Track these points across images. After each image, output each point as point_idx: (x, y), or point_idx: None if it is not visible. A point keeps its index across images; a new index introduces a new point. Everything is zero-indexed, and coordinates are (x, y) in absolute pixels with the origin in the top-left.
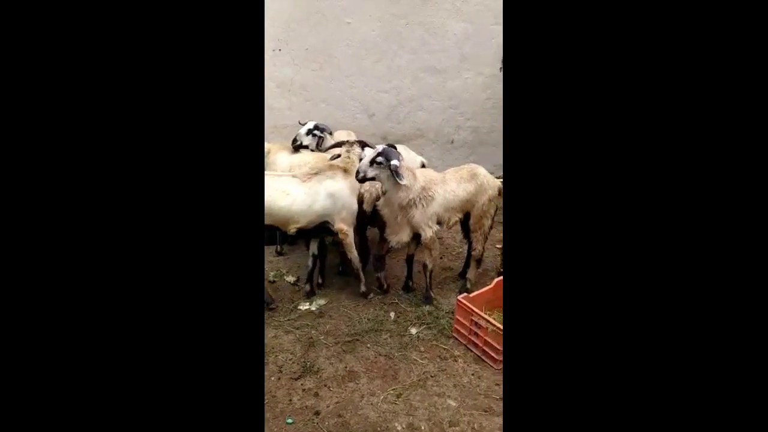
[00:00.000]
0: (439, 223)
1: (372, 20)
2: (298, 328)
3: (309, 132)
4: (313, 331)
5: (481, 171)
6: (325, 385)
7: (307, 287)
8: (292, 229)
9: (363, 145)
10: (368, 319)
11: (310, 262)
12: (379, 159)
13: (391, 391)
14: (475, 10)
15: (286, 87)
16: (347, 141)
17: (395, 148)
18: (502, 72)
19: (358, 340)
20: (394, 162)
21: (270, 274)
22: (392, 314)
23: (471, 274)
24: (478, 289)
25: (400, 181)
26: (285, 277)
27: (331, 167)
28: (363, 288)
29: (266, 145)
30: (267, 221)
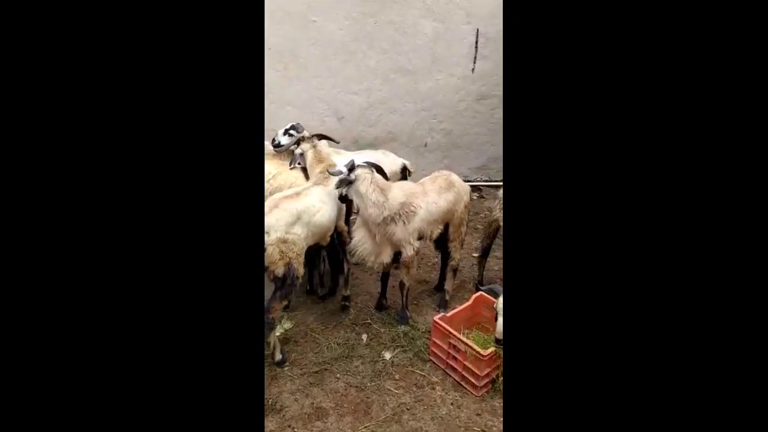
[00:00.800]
0: (420, 238)
1: (339, 18)
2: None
3: (286, 132)
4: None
5: (455, 178)
6: (290, 426)
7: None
8: (327, 238)
9: (321, 137)
10: (338, 344)
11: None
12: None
13: (363, 430)
14: (446, 9)
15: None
16: (303, 137)
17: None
18: (473, 73)
19: (326, 369)
20: (340, 168)
21: None
22: (364, 337)
23: (448, 285)
24: (455, 304)
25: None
26: None
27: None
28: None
29: None
30: (312, 241)
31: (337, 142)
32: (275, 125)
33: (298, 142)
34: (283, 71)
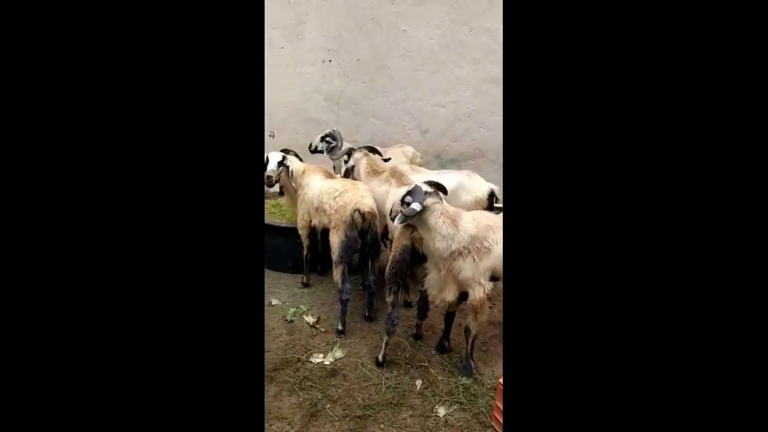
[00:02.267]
0: (494, 278)
1: (430, 27)
2: (304, 389)
3: (323, 138)
4: (319, 396)
5: None
6: None
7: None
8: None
9: (371, 150)
10: (389, 387)
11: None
12: (408, 199)
13: None
14: None
15: (335, 100)
16: (352, 148)
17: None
18: None
19: (371, 416)
20: (413, 206)
21: (289, 311)
22: (419, 383)
23: None
24: None
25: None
26: (304, 316)
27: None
28: (381, 355)
29: (301, 164)
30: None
31: (387, 160)
32: (358, 137)
33: (349, 153)
34: (369, 82)
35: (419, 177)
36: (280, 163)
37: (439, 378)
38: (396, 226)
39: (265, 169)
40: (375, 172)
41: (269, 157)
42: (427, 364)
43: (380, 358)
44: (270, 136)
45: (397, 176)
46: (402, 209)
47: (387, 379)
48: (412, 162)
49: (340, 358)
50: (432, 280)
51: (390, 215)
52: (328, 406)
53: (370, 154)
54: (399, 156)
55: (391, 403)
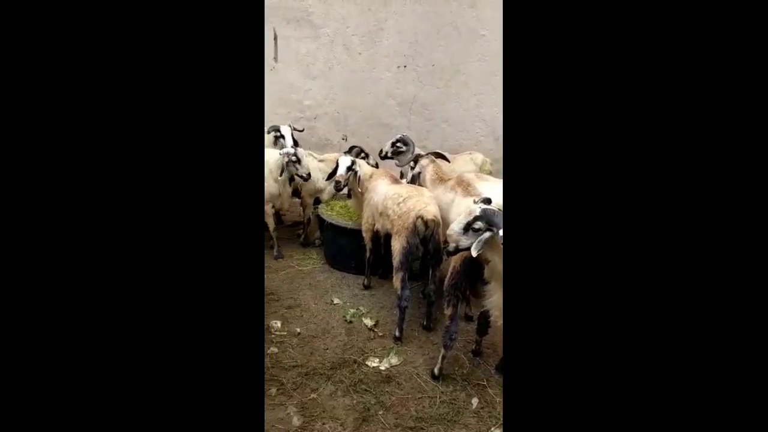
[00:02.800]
0: None
1: None
2: (358, 392)
3: (393, 144)
4: (373, 401)
5: None
6: None
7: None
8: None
9: (437, 155)
10: (443, 401)
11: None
12: (478, 225)
13: None
14: None
15: (407, 105)
16: (419, 154)
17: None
18: None
19: (423, 429)
20: (500, 232)
21: (349, 311)
22: (475, 401)
23: None
24: None
25: None
26: (363, 318)
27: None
28: (437, 368)
29: (369, 169)
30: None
31: (448, 162)
32: (428, 143)
33: (415, 160)
34: (443, 88)
35: (486, 185)
36: (349, 168)
37: (497, 400)
38: (470, 250)
39: (334, 173)
40: (441, 180)
41: (339, 161)
42: (485, 383)
43: (436, 371)
44: (343, 139)
45: (464, 185)
46: (475, 239)
47: (442, 393)
48: (481, 169)
49: (396, 365)
50: (496, 302)
51: (453, 244)
52: (380, 412)
53: (437, 161)
54: (467, 163)
55: (445, 418)
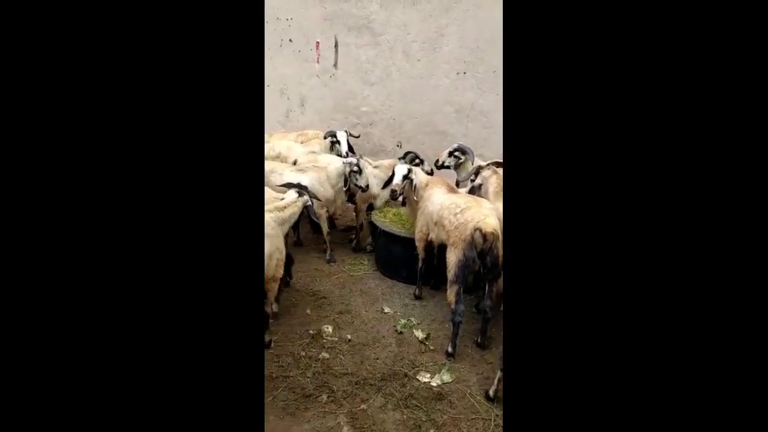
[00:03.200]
0: None
1: None
2: (408, 407)
3: (451, 153)
4: (423, 418)
5: None
6: None
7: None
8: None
9: (499, 165)
10: (498, 425)
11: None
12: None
13: None
14: None
15: (465, 112)
16: (480, 166)
17: None
18: None
19: None
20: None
21: (400, 321)
22: None
23: None
24: None
25: None
26: (414, 330)
27: None
28: (493, 390)
29: (425, 177)
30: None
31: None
32: (485, 151)
33: (477, 171)
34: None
35: None
36: (405, 176)
37: None
38: None
39: (391, 181)
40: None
41: (395, 170)
42: None
43: (491, 392)
44: (397, 146)
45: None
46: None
47: (497, 416)
48: None
49: (448, 383)
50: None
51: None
52: (431, 430)
53: (499, 171)
54: None
55: None
